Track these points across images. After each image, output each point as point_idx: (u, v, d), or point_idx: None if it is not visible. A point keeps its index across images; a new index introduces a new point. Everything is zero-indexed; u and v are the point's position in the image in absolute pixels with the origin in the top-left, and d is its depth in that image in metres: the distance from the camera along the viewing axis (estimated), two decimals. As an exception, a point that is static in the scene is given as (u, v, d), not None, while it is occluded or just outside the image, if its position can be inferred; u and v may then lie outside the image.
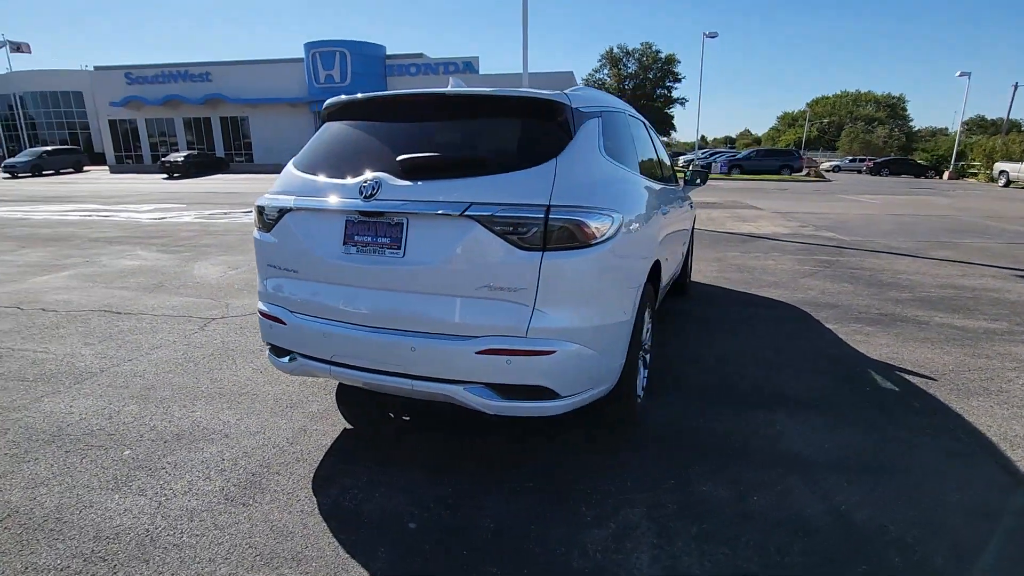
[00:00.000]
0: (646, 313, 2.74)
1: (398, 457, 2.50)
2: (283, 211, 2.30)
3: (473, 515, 2.10)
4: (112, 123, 39.49)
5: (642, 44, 46.68)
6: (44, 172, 32.28)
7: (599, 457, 2.50)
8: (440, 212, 2.00)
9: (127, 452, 2.52)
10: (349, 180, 2.17)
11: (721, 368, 3.53)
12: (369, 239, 2.12)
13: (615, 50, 46.69)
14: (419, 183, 2.07)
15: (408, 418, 2.86)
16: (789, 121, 79.66)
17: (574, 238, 1.99)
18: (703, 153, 45.10)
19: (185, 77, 37.09)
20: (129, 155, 39.17)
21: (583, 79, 44.38)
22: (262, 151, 37.09)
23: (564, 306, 2.02)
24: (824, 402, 3.05)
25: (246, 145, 37.82)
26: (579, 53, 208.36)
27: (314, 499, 2.19)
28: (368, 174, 2.14)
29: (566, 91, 2.42)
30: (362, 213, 2.10)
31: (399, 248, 2.07)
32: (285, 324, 2.34)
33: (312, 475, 2.35)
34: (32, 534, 1.98)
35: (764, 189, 21.67)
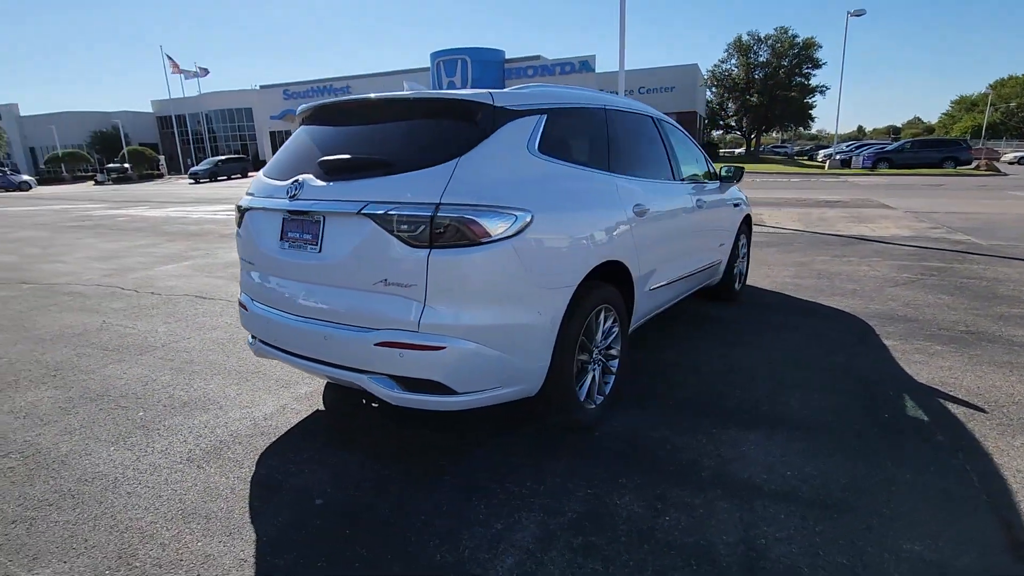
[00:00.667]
0: (600, 316, 2.64)
1: (347, 441, 2.67)
2: (243, 210, 2.59)
3: (378, 500, 2.20)
4: (272, 134, 45.27)
5: (776, 30, 42.74)
6: (219, 177, 37.87)
7: (531, 459, 2.46)
8: (342, 211, 2.13)
9: (140, 414, 2.99)
10: (286, 182, 2.38)
11: (720, 380, 3.25)
12: (297, 235, 2.31)
13: (744, 38, 43.40)
14: (332, 184, 2.22)
15: (376, 406, 3.03)
16: (967, 106, 68.33)
17: (463, 236, 2.01)
18: (848, 146, 40.38)
19: (330, 91, 41.35)
20: (284, 162, 44.54)
21: (708, 71, 41.94)
22: (392, 155, 40.11)
23: (455, 303, 2.05)
24: (821, 427, 2.69)
25: (379, 150, 41.19)
26: (712, 45, 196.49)
27: (253, 469, 2.44)
28: (298, 176, 2.34)
29: (506, 90, 2.42)
30: (291, 212, 2.31)
31: (317, 244, 2.24)
32: (247, 310, 2.63)
33: (265, 448, 2.61)
34: (39, 471, 2.46)
35: (912, 185, 18.95)
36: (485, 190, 2.08)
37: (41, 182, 42.52)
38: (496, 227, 2.05)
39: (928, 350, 3.66)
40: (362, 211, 2.08)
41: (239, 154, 48.84)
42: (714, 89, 45.20)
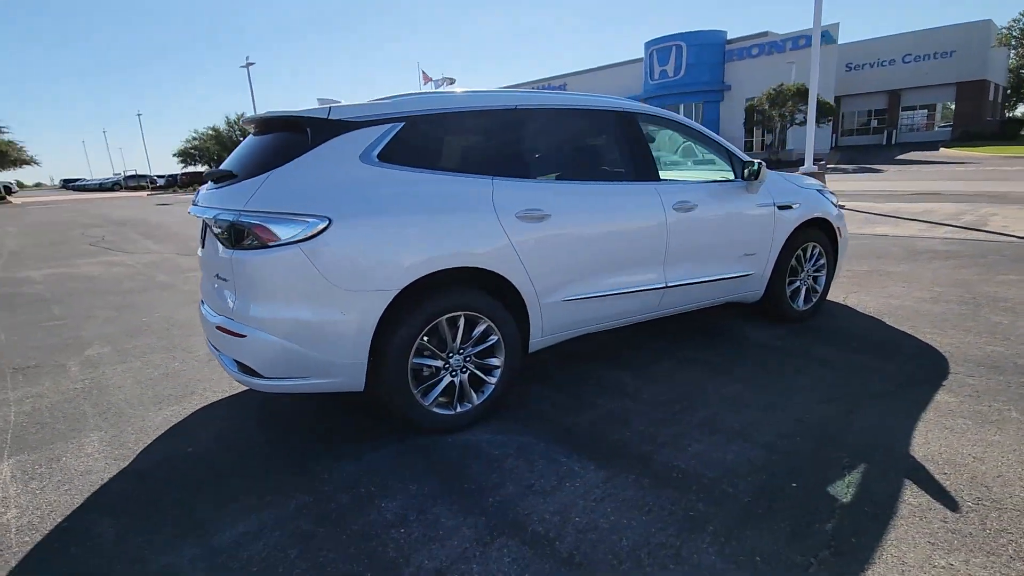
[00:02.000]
0: (459, 323, 2.60)
1: (303, 412, 3.13)
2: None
3: (250, 450, 2.60)
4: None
5: None
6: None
7: (351, 448, 2.59)
8: (203, 215, 2.56)
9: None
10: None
11: (634, 408, 2.85)
12: (202, 238, 2.82)
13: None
14: (206, 192, 2.67)
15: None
16: None
17: (256, 239, 2.26)
18: None
19: (549, 89, 43.45)
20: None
21: (1006, 26, 32.06)
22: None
23: (252, 298, 2.32)
24: (688, 483, 2.23)
25: (588, 145, 42.18)
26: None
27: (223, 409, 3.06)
28: (202, 186, 2.85)
29: (362, 103, 2.57)
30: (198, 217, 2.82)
31: (204, 245, 2.73)
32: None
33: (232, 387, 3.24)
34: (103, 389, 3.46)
35: None
36: (284, 199, 2.29)
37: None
38: (285, 232, 2.25)
39: (971, 411, 2.62)
40: (204, 216, 2.49)
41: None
42: (1020, 50, 34.64)
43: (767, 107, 29.40)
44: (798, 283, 4.09)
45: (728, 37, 35.60)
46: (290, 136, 2.50)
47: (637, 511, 2.06)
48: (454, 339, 2.63)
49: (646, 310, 3.35)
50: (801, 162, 15.18)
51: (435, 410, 2.63)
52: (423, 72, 56.09)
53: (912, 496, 2.06)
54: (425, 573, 1.80)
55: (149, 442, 2.76)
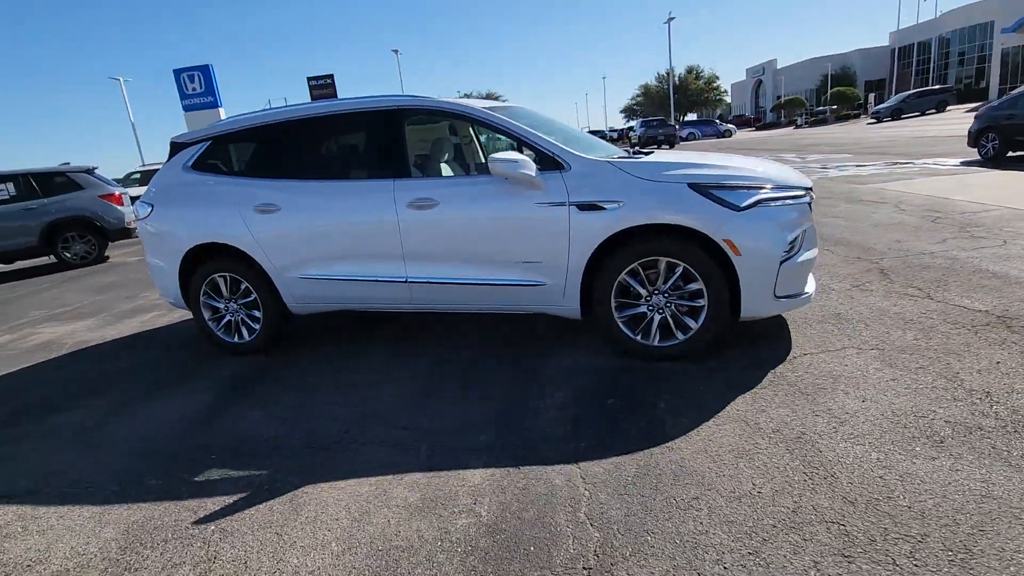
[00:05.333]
0: (225, 280, 3.77)
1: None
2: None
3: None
4: (1004, 53, 35.27)
5: None
6: (904, 115, 33.96)
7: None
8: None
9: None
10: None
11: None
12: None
13: None
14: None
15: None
16: None
17: (138, 217, 4.03)
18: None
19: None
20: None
21: None
22: None
23: (145, 251, 4.14)
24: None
25: None
26: None
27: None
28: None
29: (197, 129, 3.91)
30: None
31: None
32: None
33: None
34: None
35: None
36: (148, 193, 3.96)
37: (761, 128, 50.59)
38: (141, 212, 3.94)
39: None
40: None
41: (962, 84, 40.92)
42: None
43: None
44: (644, 310, 3.06)
45: None
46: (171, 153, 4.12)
47: (149, 425, 2.97)
48: (232, 294, 3.81)
49: (397, 300, 3.50)
50: None
51: (230, 339, 3.92)
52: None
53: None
54: (74, 406, 3.35)
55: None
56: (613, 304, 3.07)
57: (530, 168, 2.97)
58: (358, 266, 3.48)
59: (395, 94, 3.55)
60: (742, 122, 55.78)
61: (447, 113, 3.42)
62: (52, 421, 3.18)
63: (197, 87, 31.03)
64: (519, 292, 3.23)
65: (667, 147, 29.29)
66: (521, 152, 3.18)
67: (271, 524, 2.05)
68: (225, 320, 3.91)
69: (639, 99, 56.40)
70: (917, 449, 2.06)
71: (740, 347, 3.14)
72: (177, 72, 34.29)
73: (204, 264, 3.78)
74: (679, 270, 2.93)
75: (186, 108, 31.58)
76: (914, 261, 4.43)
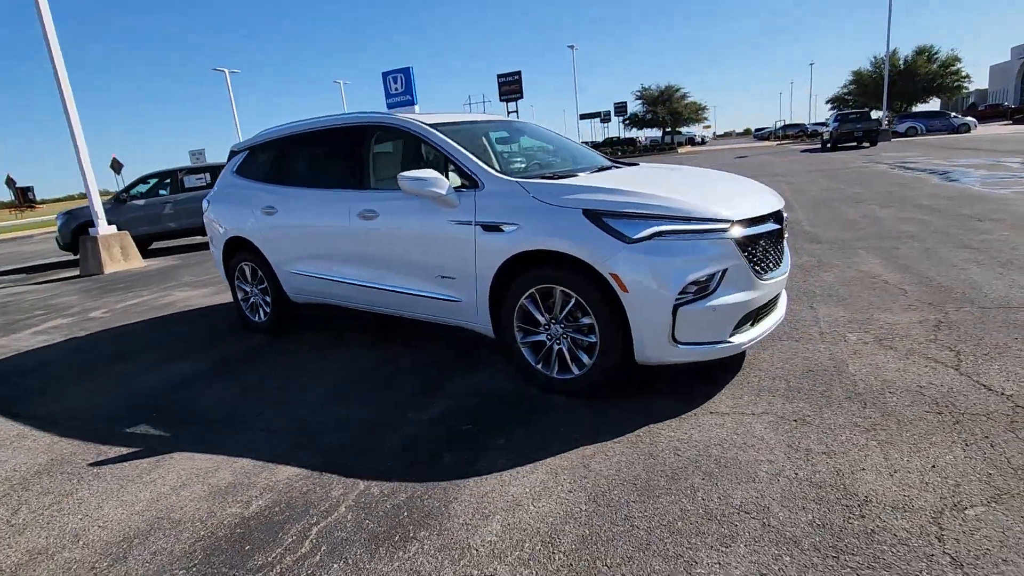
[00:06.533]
0: (247, 266, 4.48)
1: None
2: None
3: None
4: None
5: None
6: None
7: None
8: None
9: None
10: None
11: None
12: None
13: None
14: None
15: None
16: None
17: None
18: None
19: None
20: None
21: None
22: None
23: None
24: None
25: None
26: None
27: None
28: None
29: (250, 137, 4.66)
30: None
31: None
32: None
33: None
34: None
35: None
36: (211, 192, 4.83)
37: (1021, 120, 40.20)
38: (204, 207, 4.83)
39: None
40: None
41: None
42: None
43: None
44: (543, 338, 2.93)
45: None
46: (235, 156, 4.95)
47: (147, 381, 3.73)
48: (253, 280, 4.52)
49: (369, 302, 3.76)
50: None
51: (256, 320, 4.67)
52: None
53: (110, 448, 2.79)
54: (127, 357, 4.32)
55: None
56: (516, 328, 2.98)
57: (439, 186, 3.02)
58: (328, 267, 3.87)
59: (361, 111, 3.84)
60: (989, 114, 44.78)
61: (395, 129, 3.60)
62: (118, 368, 4.13)
63: (399, 87, 35.11)
64: (442, 305, 3.30)
65: (868, 145, 24.99)
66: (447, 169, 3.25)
67: (124, 477, 2.51)
68: (251, 302, 4.63)
69: (850, 87, 48.69)
70: None
71: (644, 394, 2.82)
72: (385, 74, 38.96)
73: (235, 254, 4.52)
74: (572, 301, 2.74)
75: (389, 106, 35.85)
76: (996, 316, 3.40)
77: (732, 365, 3.04)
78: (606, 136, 59.40)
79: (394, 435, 2.67)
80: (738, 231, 2.60)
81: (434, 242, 3.20)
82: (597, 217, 2.63)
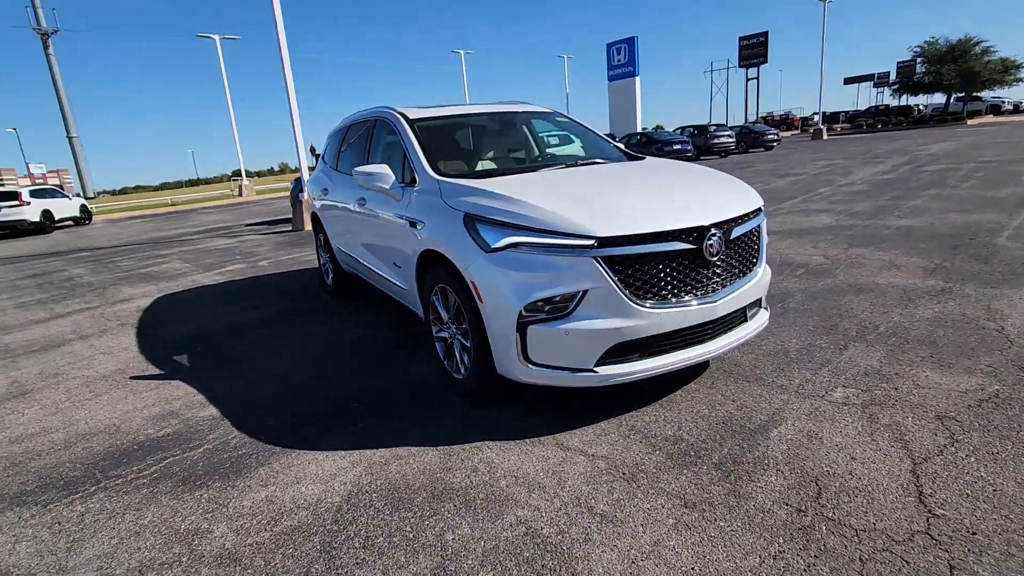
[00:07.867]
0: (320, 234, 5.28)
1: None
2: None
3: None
4: None
5: None
6: None
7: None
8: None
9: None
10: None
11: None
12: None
13: None
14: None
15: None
16: None
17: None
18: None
19: None
20: None
21: None
22: None
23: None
24: None
25: None
26: None
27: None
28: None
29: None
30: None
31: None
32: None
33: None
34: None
35: None
36: (312, 178, 5.73)
37: None
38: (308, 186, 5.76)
39: None
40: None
41: None
42: None
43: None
44: (445, 335, 2.98)
45: None
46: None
47: (224, 322, 4.79)
48: (325, 249, 5.32)
49: (374, 280, 4.20)
50: None
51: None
52: None
53: (149, 368, 3.76)
54: (237, 301, 5.54)
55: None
56: (431, 322, 3.08)
57: (383, 181, 3.23)
58: (352, 246, 4.38)
59: (375, 107, 4.13)
60: None
61: (385, 123, 3.80)
62: (217, 308, 5.34)
63: (622, 58, 34.56)
64: (400, 291, 3.54)
65: None
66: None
67: (132, 390, 3.38)
68: (324, 268, 5.46)
69: None
70: None
71: (529, 410, 2.67)
72: (609, 45, 38.73)
73: (315, 225, 5.37)
74: (455, 304, 2.74)
75: (610, 78, 35.48)
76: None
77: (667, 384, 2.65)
78: (871, 104, 49.14)
79: (304, 401, 3.05)
80: (607, 250, 2.27)
81: (389, 231, 3.43)
82: (472, 222, 2.56)
